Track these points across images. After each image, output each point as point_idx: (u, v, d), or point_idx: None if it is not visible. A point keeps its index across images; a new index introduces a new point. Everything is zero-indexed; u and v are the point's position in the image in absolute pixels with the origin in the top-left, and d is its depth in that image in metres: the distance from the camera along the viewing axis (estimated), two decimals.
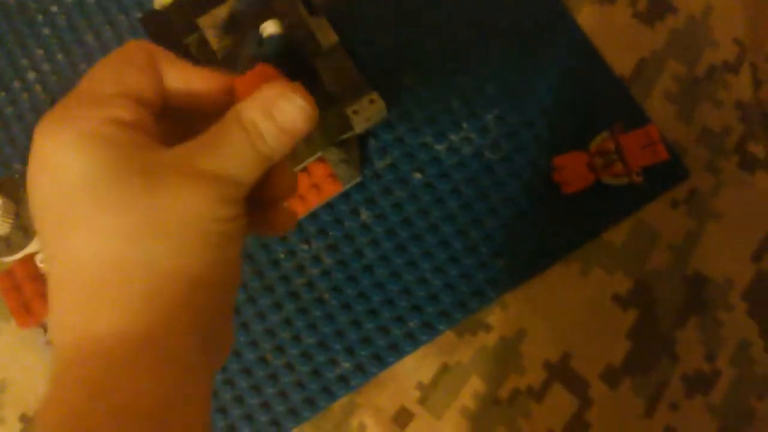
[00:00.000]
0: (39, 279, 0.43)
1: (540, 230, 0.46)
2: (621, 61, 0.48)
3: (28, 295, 0.42)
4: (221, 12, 0.46)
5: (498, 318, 0.45)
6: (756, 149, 0.46)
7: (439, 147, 0.48)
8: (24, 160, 0.49)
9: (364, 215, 0.47)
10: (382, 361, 0.45)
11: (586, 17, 0.49)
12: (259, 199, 0.24)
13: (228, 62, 0.45)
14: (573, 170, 0.45)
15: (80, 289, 0.20)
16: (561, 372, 0.44)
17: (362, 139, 0.48)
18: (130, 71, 0.22)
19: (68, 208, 0.20)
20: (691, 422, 0.43)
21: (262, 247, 0.47)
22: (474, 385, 0.44)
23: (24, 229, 0.42)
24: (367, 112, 0.43)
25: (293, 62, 0.44)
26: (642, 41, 0.48)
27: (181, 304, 0.21)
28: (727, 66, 0.47)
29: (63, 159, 0.20)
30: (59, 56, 0.50)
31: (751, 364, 0.43)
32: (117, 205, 0.20)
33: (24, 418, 0.45)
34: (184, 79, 0.23)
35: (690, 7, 0.48)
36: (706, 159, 0.46)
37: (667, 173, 0.46)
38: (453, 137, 0.48)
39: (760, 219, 0.45)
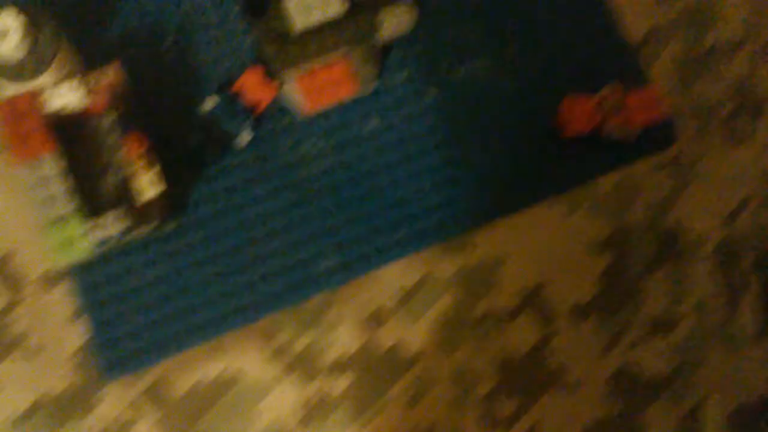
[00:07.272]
0: (40, 116, 0.41)
1: (536, 167, 0.48)
2: (634, 27, 0.51)
3: (29, 127, 0.41)
4: None
5: (484, 240, 0.47)
6: (744, 124, 0.50)
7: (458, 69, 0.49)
8: None
9: (376, 122, 0.48)
10: (369, 261, 0.46)
11: None
12: None
13: None
14: (581, 109, 0.47)
15: None
16: (533, 299, 0.47)
17: (383, 51, 0.49)
18: None
19: None
20: (649, 360, 0.47)
21: (269, 136, 0.47)
22: (452, 298, 0.46)
23: (39, 58, 0.41)
24: (398, 19, 0.44)
25: None
26: (656, 12, 0.51)
27: None
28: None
29: None
30: None
31: (710, 313, 0.47)
32: None
33: None
34: None
35: None
36: (697, 127, 0.50)
37: (658, 136, 0.49)
38: (473, 62, 0.49)
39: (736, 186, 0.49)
